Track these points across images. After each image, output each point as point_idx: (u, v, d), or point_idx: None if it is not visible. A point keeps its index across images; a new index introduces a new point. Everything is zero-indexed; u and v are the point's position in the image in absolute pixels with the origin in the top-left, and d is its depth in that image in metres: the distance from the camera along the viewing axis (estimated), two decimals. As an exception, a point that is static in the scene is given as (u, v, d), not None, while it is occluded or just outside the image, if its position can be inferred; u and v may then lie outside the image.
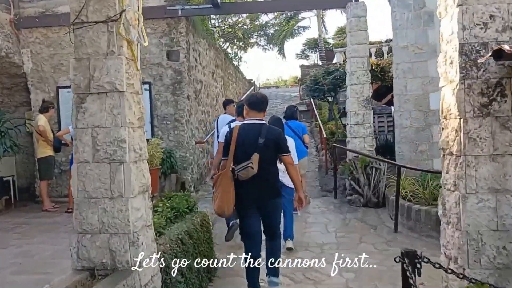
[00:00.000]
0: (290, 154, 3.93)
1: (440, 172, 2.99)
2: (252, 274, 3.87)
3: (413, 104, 7.84)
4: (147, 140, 6.35)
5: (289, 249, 5.31)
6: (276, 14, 21.89)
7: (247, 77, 21.35)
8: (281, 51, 17.86)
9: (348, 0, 8.03)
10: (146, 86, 8.56)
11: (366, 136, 8.02)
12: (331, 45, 22.47)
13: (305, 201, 4.03)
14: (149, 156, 5.06)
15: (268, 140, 3.75)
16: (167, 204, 4.50)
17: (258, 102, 3.94)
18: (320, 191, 9.09)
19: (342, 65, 11.13)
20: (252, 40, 24.98)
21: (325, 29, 18.68)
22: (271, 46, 24.72)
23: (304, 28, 22.84)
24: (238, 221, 4.72)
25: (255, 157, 3.65)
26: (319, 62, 22.95)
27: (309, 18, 17.53)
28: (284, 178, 4.48)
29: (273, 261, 3.92)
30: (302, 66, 22.96)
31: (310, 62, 23.21)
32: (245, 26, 22.05)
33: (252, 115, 3.93)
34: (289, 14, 17.45)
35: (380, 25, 58.35)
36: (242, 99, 7.92)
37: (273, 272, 3.96)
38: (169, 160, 7.79)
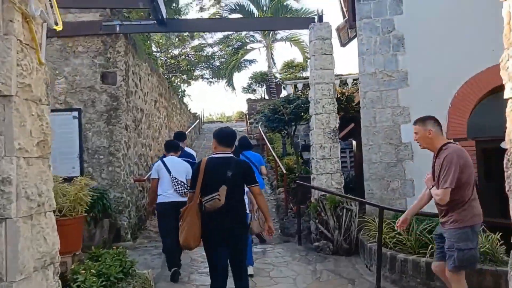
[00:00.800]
0: (258, 185, 3.96)
1: (428, 215, 1.96)
2: None
3: (382, 137, 7.06)
4: (72, 179, 5.01)
5: (250, 275, 4.98)
6: (221, 46, 21.21)
7: (191, 110, 20.18)
8: (229, 82, 16.89)
9: (311, 21, 7.25)
10: (75, 113, 7.17)
11: (333, 172, 7.07)
12: (278, 79, 22.05)
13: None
14: (73, 201, 3.73)
15: (237, 173, 3.75)
16: (93, 270, 3.16)
17: (228, 138, 3.98)
18: (281, 235, 7.93)
19: (304, 93, 10.38)
20: (196, 73, 24.03)
21: (274, 62, 18.19)
22: (216, 79, 23.88)
23: (251, 61, 22.27)
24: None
25: (223, 189, 3.63)
26: (266, 96, 22.37)
27: (258, 49, 16.88)
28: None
29: None
30: (248, 100, 22.20)
31: (257, 96, 22.61)
32: (189, 57, 21.08)
33: (221, 149, 3.92)
34: (235, 45, 16.69)
35: (342, 59, 59.94)
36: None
37: None
38: (101, 202, 6.34)
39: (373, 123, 7.11)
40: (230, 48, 17.73)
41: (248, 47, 16.64)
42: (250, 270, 5.16)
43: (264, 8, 16.20)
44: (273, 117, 8.86)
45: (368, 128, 7.15)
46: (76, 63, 7.24)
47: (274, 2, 15.77)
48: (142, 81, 8.98)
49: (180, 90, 20.04)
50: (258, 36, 16.89)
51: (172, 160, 5.71)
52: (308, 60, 17.05)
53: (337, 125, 7.22)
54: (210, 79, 23.75)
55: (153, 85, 10.30)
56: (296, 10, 16.18)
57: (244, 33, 16.50)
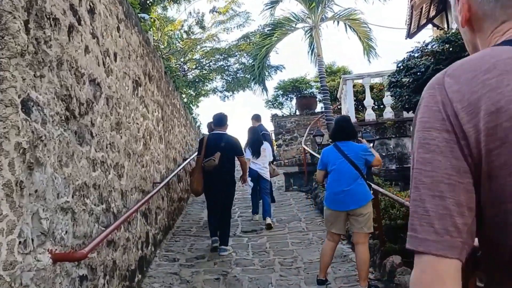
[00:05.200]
0: (244, 156, 6.40)
1: None
2: (212, 230, 6.06)
3: None
4: None
5: (269, 225, 7.05)
6: (241, 44, 16.38)
7: (201, 129, 15.11)
8: (259, 79, 11.37)
9: None
10: None
11: None
12: (314, 87, 17.04)
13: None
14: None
15: (227, 144, 5.91)
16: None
17: (218, 121, 6.21)
18: None
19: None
20: (207, 87, 19.14)
21: (321, 49, 12.19)
22: (231, 92, 18.94)
23: (276, 68, 17.34)
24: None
25: (217, 154, 5.75)
26: (297, 111, 17.28)
27: (302, 28, 11.22)
28: (263, 170, 7.32)
29: (223, 234, 5.90)
30: (275, 117, 17.15)
31: (285, 111, 17.55)
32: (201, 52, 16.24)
33: (216, 129, 6.21)
34: (267, 30, 11.46)
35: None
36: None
37: (223, 242, 5.87)
38: None
39: None
40: (255, 44, 12.71)
41: (289, 26, 11.35)
42: (268, 220, 7.12)
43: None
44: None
45: None
46: None
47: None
48: (96, 18, 3.96)
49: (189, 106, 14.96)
50: (299, 8, 11.63)
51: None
52: (370, 53, 12.24)
53: None
54: (225, 92, 18.81)
55: (132, 50, 5.27)
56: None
57: (278, 12, 11.49)
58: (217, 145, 5.85)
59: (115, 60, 4.58)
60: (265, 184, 7.41)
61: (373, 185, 5.42)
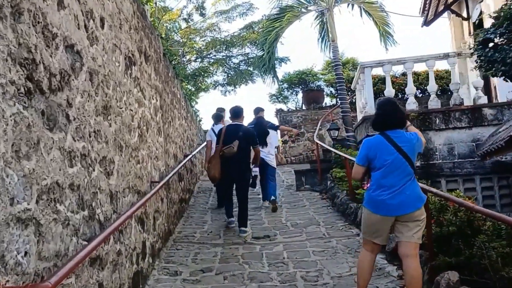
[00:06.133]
0: (258, 146, 6.65)
1: None
2: (228, 210, 6.69)
3: None
4: None
5: (273, 202, 7.58)
6: (245, 33, 15.43)
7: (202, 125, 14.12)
8: (268, 67, 10.27)
9: None
10: None
11: None
12: (321, 80, 16.06)
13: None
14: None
15: (244, 134, 6.30)
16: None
17: (236, 113, 6.62)
18: None
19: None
20: (207, 81, 18.17)
21: (336, 34, 10.69)
22: (233, 87, 17.96)
23: (281, 60, 16.35)
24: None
25: (236, 142, 6.14)
26: (304, 106, 16.30)
27: (315, 11, 10.26)
28: (268, 157, 7.66)
29: (242, 216, 6.27)
30: (280, 112, 16.16)
31: (290, 106, 16.55)
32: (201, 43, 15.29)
33: (234, 120, 6.63)
34: (274, 12, 10.29)
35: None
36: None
37: (243, 224, 6.26)
38: None
39: None
40: (264, 27, 11.51)
41: (302, 9, 10.12)
42: (272, 200, 7.63)
43: None
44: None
45: None
46: None
47: None
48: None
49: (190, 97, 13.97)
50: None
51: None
52: (387, 40, 11.28)
53: None
54: (227, 86, 17.83)
55: (124, 19, 4.31)
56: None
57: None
58: (236, 135, 6.25)
59: (102, 27, 3.62)
60: (271, 171, 7.84)
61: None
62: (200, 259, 5.39)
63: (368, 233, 3.76)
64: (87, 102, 3.18)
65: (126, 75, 4.27)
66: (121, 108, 4.03)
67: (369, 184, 3.90)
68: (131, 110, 4.41)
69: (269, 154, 7.73)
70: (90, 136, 3.20)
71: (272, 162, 7.84)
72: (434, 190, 4.09)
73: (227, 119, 8.15)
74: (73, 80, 2.94)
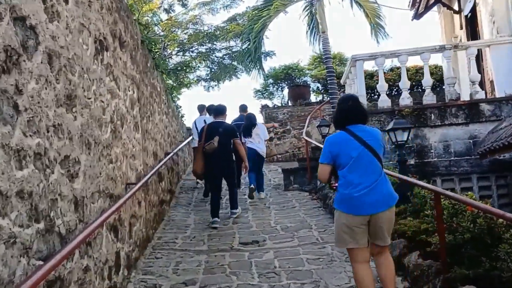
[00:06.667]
0: (239, 139, 7.04)
1: None
2: (214, 209, 6.56)
3: None
4: None
5: (251, 189, 7.95)
6: (230, 25, 14.82)
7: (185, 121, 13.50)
8: (254, 58, 9.65)
9: None
10: None
11: None
12: (308, 76, 15.59)
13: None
14: None
15: (225, 130, 6.68)
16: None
17: (218, 111, 7.03)
18: None
19: None
20: (191, 76, 17.54)
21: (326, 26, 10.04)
22: (216, 82, 17.36)
23: (267, 54, 15.80)
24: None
25: (216, 138, 6.48)
26: (290, 102, 15.81)
27: (304, 1, 9.90)
28: (259, 148, 8.17)
29: (232, 200, 6.88)
30: (265, 108, 15.65)
31: (276, 101, 16.00)
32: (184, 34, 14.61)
33: (216, 118, 7.00)
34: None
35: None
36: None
37: (233, 207, 6.87)
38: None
39: None
40: (250, 17, 10.94)
41: (284, 0, 9.61)
42: (262, 195, 8.21)
43: None
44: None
45: None
46: None
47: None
48: None
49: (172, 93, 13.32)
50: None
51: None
52: (379, 33, 10.91)
53: None
54: (210, 81, 17.23)
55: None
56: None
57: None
58: (216, 131, 6.60)
59: (66, 2, 3.03)
60: (262, 162, 8.41)
61: (429, 186, 4.05)
62: (182, 269, 4.83)
63: (343, 239, 3.34)
64: (44, 90, 2.60)
65: (96, 61, 3.68)
66: (89, 98, 3.44)
67: (337, 184, 3.48)
68: (102, 102, 3.82)
69: (260, 144, 8.23)
70: (48, 131, 2.62)
71: (263, 151, 8.41)
72: (450, 193, 3.62)
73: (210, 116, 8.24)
74: (24, 61, 2.36)
